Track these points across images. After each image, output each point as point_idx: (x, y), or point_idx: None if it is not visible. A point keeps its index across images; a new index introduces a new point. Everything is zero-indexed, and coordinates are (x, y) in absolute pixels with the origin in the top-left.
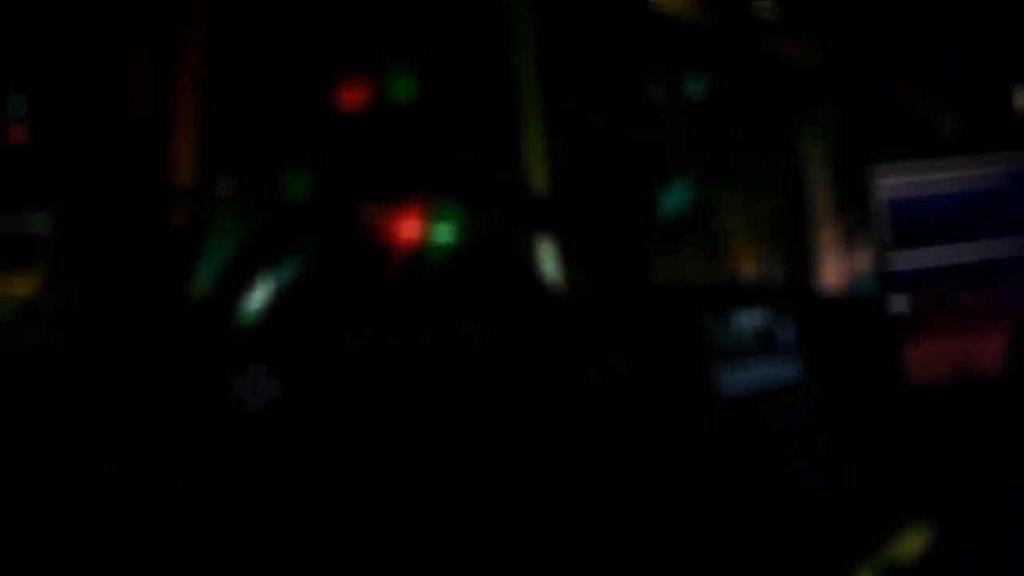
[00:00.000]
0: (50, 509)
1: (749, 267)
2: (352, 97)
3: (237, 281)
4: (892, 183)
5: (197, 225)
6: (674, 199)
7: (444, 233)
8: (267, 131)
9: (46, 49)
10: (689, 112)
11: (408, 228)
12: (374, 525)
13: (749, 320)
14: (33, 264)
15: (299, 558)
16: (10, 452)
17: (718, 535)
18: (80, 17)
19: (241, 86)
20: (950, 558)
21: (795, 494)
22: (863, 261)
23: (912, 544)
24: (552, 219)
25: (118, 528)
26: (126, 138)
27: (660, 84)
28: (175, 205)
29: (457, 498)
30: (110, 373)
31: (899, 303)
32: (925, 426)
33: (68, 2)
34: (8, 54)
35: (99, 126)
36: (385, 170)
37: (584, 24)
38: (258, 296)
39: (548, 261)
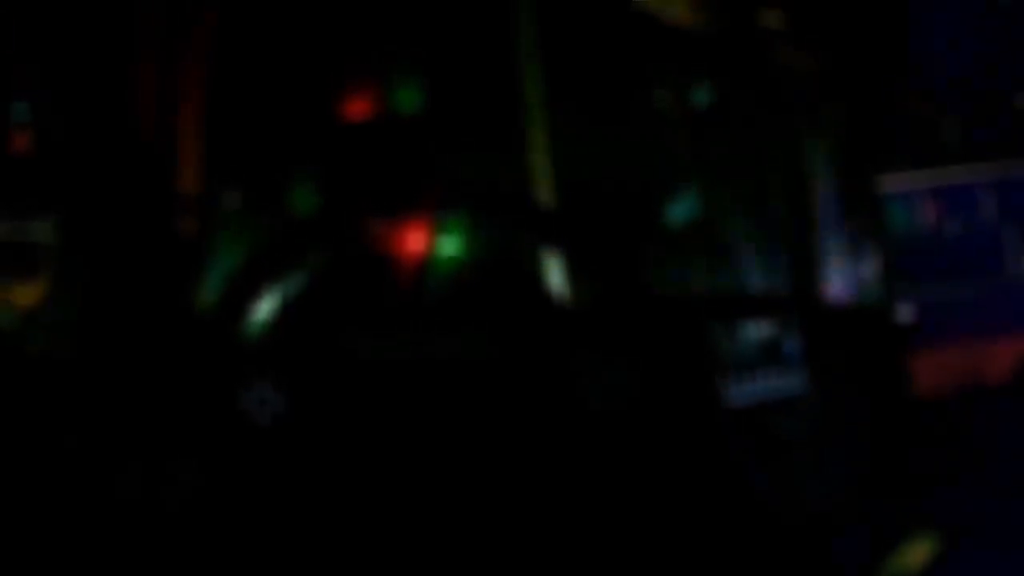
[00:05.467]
0: (52, 520)
1: (755, 276)
2: (357, 108)
3: (243, 293)
4: (898, 190)
5: (202, 237)
6: (680, 208)
7: (449, 246)
8: (271, 142)
9: (49, 56)
10: (694, 121)
11: (413, 241)
12: (382, 539)
13: (755, 331)
14: (36, 273)
15: (304, 572)
16: (12, 462)
17: (724, 545)
18: (84, 23)
19: (245, 97)
20: (955, 568)
21: (800, 504)
22: (869, 270)
23: (917, 554)
24: (557, 230)
25: (121, 541)
26: (130, 147)
27: (665, 93)
28: (180, 216)
29: (464, 509)
30: (114, 384)
31: (905, 312)
32: (931, 436)
33: (71, 10)
34: (11, 61)
35: (103, 134)
36: (390, 182)
37: (589, 34)
38: (264, 309)
39: (554, 272)
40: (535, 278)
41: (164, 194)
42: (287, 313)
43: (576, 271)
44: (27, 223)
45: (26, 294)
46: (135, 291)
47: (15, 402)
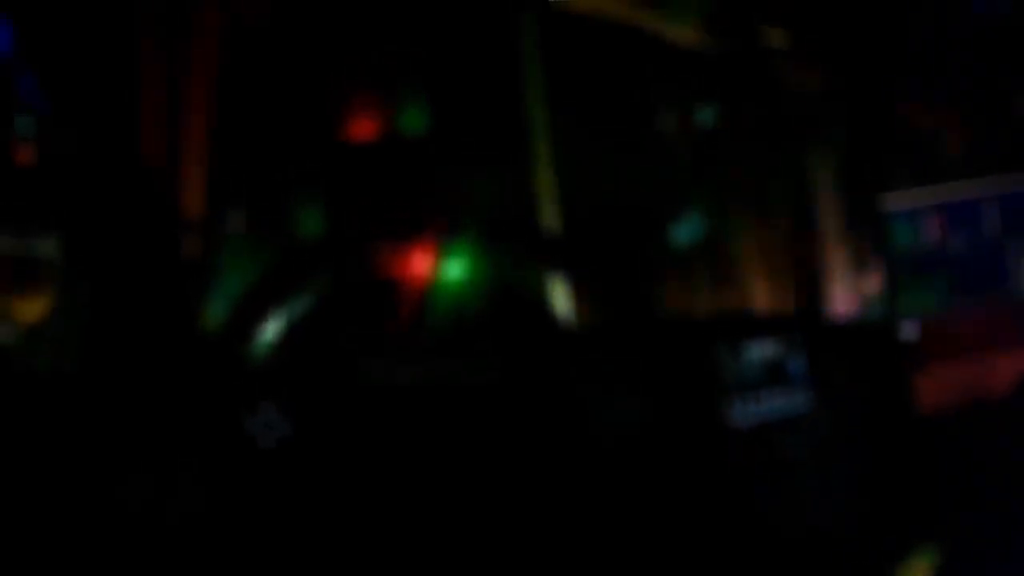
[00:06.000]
0: (54, 536)
1: (760, 295)
2: (362, 131)
3: (248, 316)
4: (902, 208)
5: (205, 257)
6: (685, 229)
7: (455, 269)
8: (277, 164)
9: (54, 72)
10: (699, 140)
11: (419, 264)
12: (386, 563)
13: (760, 352)
14: (39, 288)
15: None
16: (13, 477)
17: (729, 565)
18: (89, 40)
19: (250, 118)
20: None
21: (805, 523)
22: (873, 287)
23: (921, 570)
24: (562, 253)
25: (121, 559)
26: (133, 164)
27: (670, 113)
28: (184, 237)
29: (470, 532)
30: (116, 402)
31: (909, 329)
32: (935, 452)
33: (77, 26)
34: (19, 76)
35: (106, 151)
36: (396, 205)
37: (593, 55)
38: (269, 331)
39: (559, 295)
40: (540, 301)
41: (167, 212)
42: (292, 336)
43: (581, 293)
44: (31, 238)
45: (29, 309)
46: (138, 308)
47: (17, 418)
